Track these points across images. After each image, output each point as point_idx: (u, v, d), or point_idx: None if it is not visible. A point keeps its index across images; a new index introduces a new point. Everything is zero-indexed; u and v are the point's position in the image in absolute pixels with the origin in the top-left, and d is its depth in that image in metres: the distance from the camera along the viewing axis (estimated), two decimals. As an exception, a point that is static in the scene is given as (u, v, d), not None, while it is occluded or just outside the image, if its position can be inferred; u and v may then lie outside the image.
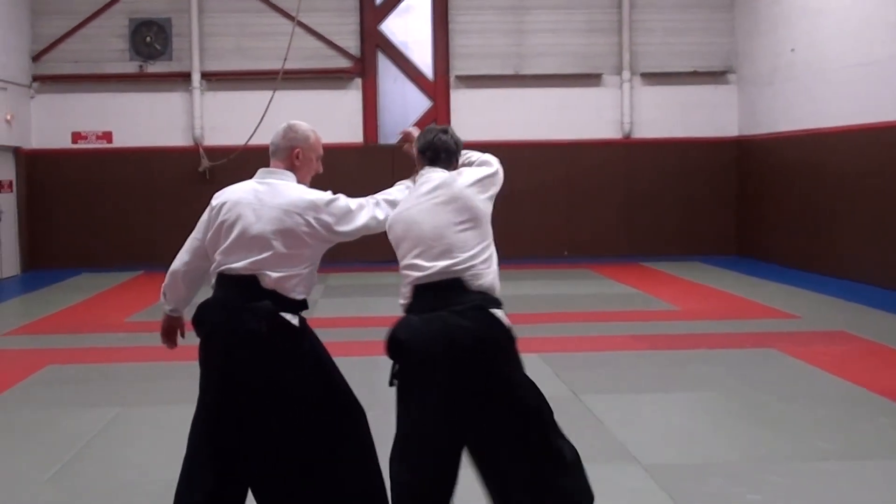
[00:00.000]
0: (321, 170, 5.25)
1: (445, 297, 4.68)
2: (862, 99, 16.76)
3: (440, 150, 5.04)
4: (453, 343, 4.60)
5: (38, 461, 7.28)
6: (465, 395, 4.66)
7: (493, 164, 5.07)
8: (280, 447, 4.88)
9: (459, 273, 4.69)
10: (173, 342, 5.40)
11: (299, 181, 5.05)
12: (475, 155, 5.16)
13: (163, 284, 5.29)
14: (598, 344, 11.71)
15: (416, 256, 4.76)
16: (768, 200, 20.52)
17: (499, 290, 4.83)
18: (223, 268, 4.93)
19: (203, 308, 5.01)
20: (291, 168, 5.05)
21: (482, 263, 4.76)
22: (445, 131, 5.09)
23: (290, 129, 5.12)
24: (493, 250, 4.88)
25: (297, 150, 5.05)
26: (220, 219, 4.97)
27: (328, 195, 4.99)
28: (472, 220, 4.79)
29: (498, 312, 4.75)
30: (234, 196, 5.01)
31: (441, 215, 4.77)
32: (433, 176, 4.95)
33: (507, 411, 4.71)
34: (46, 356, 11.36)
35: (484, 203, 4.87)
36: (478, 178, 4.92)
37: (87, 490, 6.70)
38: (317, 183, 5.15)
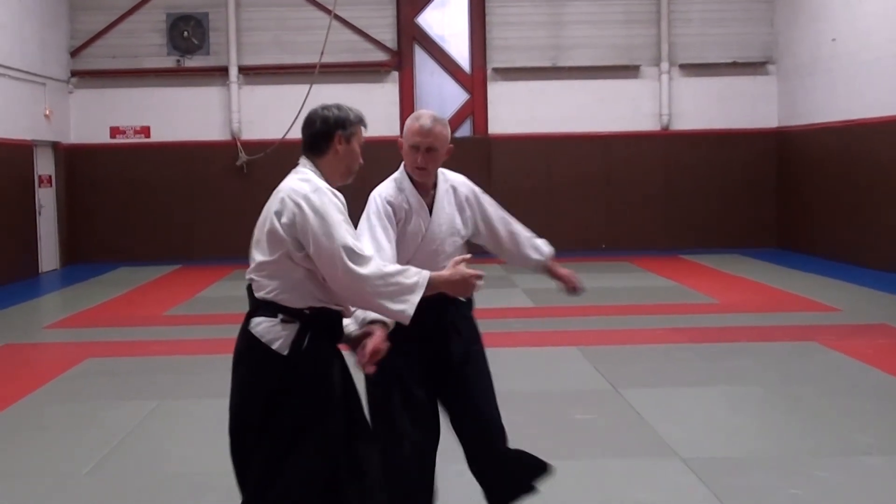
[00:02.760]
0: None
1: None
2: (904, 89, 16.58)
3: (302, 130, 4.42)
4: None
5: (78, 454, 7.32)
6: None
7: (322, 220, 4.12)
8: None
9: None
10: None
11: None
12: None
13: None
14: (638, 337, 11.64)
15: None
16: (808, 192, 20.33)
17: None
18: None
19: None
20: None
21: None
22: (322, 108, 4.39)
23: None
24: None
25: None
26: None
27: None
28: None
29: (255, 322, 4.26)
30: None
31: None
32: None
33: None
34: (86, 349, 11.44)
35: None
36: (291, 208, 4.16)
37: (127, 482, 6.72)
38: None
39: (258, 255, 4.24)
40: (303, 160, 4.39)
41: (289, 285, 4.18)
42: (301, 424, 4.16)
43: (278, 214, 4.16)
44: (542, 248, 5.51)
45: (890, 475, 6.53)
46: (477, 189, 5.23)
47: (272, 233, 4.17)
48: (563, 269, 5.54)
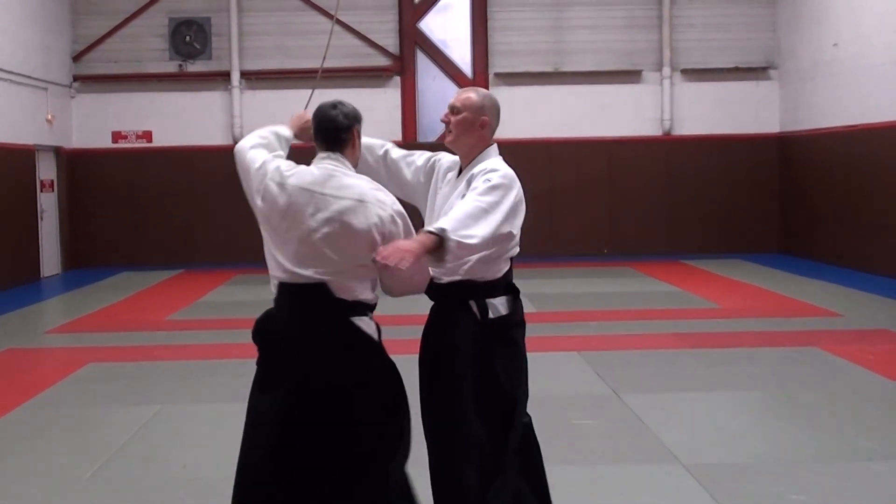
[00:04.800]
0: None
1: None
2: (906, 94, 16.58)
3: (322, 126, 4.56)
4: None
5: (79, 458, 7.31)
6: None
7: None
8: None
9: None
10: None
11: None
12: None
13: None
14: (639, 342, 11.63)
15: None
16: (810, 197, 20.33)
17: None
18: None
19: None
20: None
21: None
22: (334, 106, 4.56)
23: None
24: None
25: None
26: None
27: None
28: None
29: (358, 320, 4.54)
30: None
31: None
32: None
33: None
34: (88, 354, 11.43)
35: None
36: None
37: (128, 487, 6.71)
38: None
39: (350, 260, 4.36)
40: (330, 155, 4.51)
41: (369, 285, 4.46)
42: (398, 403, 4.48)
43: (377, 227, 4.35)
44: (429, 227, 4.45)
45: (893, 480, 6.52)
46: (495, 174, 4.78)
47: (369, 243, 4.34)
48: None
